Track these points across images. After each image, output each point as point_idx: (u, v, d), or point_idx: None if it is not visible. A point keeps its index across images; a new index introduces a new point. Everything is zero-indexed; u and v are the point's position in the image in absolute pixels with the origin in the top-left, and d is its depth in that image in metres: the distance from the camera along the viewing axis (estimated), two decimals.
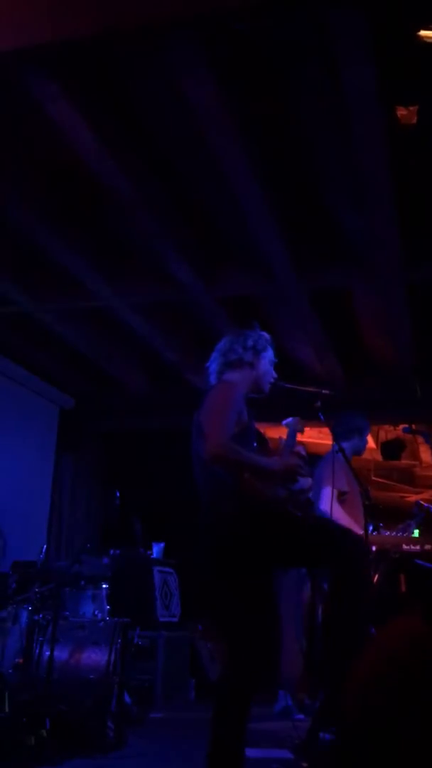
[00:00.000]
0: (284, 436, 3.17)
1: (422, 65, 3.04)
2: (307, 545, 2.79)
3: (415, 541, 4.03)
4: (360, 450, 4.47)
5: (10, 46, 3.12)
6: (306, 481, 2.99)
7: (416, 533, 4.04)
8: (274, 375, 3.20)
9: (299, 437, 3.20)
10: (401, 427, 6.32)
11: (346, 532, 2.96)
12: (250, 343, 3.09)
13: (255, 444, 2.95)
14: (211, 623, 6.24)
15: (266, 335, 3.20)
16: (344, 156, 3.84)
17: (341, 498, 3.89)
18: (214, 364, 3.15)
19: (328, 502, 4.12)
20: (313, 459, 4.91)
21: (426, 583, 3.82)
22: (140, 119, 3.86)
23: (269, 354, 3.17)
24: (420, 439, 7.20)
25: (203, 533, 2.81)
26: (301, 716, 4.61)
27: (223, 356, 3.11)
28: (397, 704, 0.79)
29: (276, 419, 3.36)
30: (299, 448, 3.06)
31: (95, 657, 4.08)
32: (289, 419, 3.25)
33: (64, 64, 3.32)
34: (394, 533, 3.82)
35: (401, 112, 3.21)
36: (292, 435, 3.18)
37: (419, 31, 2.79)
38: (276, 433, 3.37)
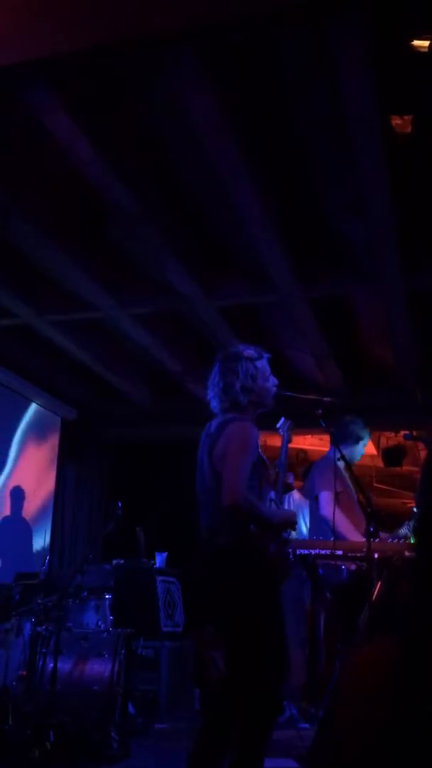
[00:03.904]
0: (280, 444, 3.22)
1: (416, 75, 3.06)
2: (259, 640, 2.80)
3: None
4: (354, 458, 4.47)
5: (10, 60, 3.15)
6: (288, 533, 3.14)
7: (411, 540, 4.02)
8: (275, 382, 3.17)
9: (300, 443, 3.25)
10: (402, 433, 6.32)
11: (282, 667, 3.08)
12: (238, 386, 2.98)
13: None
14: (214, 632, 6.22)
15: (254, 353, 3.08)
16: (343, 164, 3.86)
17: (336, 498, 3.90)
18: (213, 401, 3.12)
19: (325, 507, 4.11)
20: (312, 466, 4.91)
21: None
22: (140, 131, 3.88)
23: (264, 371, 3.08)
24: (421, 446, 7.19)
25: (202, 565, 2.88)
26: (306, 725, 4.60)
27: (218, 398, 3.04)
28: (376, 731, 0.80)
29: (272, 428, 3.37)
30: (290, 476, 3.17)
31: (99, 668, 4.08)
32: (281, 421, 3.28)
33: (64, 77, 3.34)
34: (389, 539, 3.82)
35: (396, 121, 3.23)
36: (285, 445, 3.23)
37: (412, 41, 2.81)
38: (276, 441, 3.39)
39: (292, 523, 3.06)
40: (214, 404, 3.08)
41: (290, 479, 3.23)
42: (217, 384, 3.06)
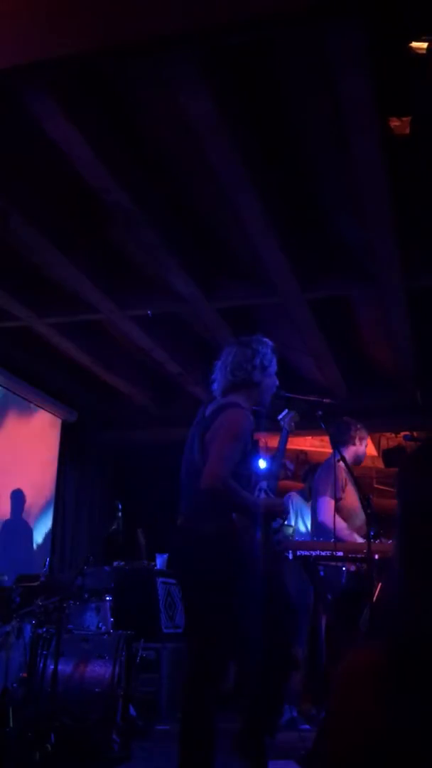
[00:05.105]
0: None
1: (414, 76, 3.06)
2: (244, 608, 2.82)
3: None
4: (359, 458, 4.47)
5: (9, 62, 3.15)
6: (278, 522, 3.12)
7: None
8: (276, 384, 3.19)
9: (300, 444, 3.26)
10: (403, 434, 6.32)
11: (279, 637, 3.11)
12: (257, 361, 3.03)
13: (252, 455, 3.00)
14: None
15: (270, 344, 3.17)
16: (342, 166, 3.86)
17: (336, 504, 3.91)
18: (219, 378, 3.11)
19: (324, 513, 4.12)
20: (313, 467, 4.91)
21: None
22: (139, 133, 3.89)
23: (274, 366, 3.14)
24: None
25: (184, 554, 2.87)
26: (307, 727, 4.60)
27: (230, 373, 3.04)
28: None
29: (277, 429, 3.37)
30: (287, 463, 3.16)
31: (100, 670, 4.07)
32: (284, 412, 3.29)
33: (62, 80, 3.35)
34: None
35: (395, 122, 3.24)
36: (285, 435, 3.24)
37: (411, 42, 2.82)
38: (277, 442, 3.39)
39: (278, 511, 3.04)
40: (218, 384, 3.08)
41: (290, 467, 3.25)
42: (233, 359, 3.06)
